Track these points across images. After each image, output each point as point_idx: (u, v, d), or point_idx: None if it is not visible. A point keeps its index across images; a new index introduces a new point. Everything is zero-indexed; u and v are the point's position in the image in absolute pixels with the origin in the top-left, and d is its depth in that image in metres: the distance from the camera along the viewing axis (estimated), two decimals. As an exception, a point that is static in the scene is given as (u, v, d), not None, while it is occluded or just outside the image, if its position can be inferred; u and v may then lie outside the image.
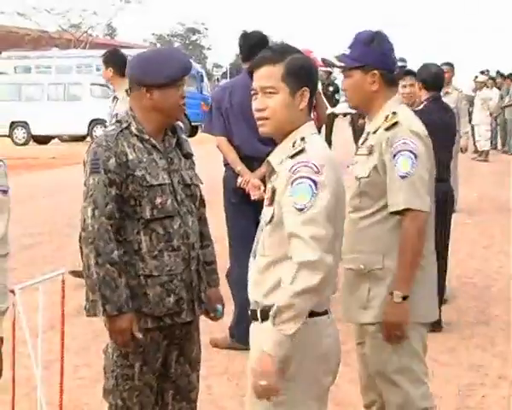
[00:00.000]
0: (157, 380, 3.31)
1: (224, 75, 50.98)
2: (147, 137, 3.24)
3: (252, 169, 5.72)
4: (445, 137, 6.29)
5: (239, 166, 5.78)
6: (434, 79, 6.35)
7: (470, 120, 21.14)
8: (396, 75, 3.45)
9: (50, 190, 12.36)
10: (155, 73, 3.18)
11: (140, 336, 3.14)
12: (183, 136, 3.43)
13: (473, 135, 19.84)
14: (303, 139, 2.69)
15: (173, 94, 3.21)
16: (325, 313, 2.70)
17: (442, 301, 6.32)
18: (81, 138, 24.80)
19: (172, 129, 3.36)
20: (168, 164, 3.27)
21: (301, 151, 2.67)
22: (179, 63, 3.24)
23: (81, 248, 3.15)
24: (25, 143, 24.85)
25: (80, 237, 3.16)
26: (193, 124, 28.32)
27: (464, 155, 10.99)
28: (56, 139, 26.45)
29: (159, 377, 3.31)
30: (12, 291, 3.62)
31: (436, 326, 6.13)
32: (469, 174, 14.88)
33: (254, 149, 5.64)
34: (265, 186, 2.79)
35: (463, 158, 11.47)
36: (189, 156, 3.41)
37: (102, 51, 8.54)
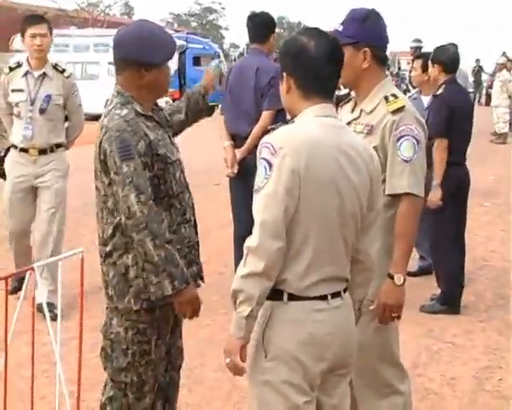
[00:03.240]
0: None
1: (240, 55, 50.82)
2: (150, 114, 3.25)
3: (235, 146, 6.04)
4: (465, 120, 6.24)
5: (225, 143, 6.13)
6: (454, 60, 6.28)
7: (489, 103, 21.04)
8: (385, 56, 3.42)
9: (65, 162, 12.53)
10: (156, 53, 3.16)
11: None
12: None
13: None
14: (286, 122, 2.69)
15: (167, 71, 3.26)
16: (321, 297, 2.64)
17: (463, 284, 6.32)
18: (98, 117, 24.76)
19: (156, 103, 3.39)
20: (169, 138, 3.32)
21: (269, 132, 2.67)
22: (171, 42, 3.26)
23: (130, 236, 3.08)
24: (42, 122, 24.87)
25: (127, 227, 3.08)
26: (209, 104, 28.33)
27: (481, 137, 10.94)
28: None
29: None
30: (31, 269, 3.64)
31: (454, 309, 6.15)
32: (487, 157, 14.79)
33: (236, 128, 5.99)
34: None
35: (481, 140, 11.40)
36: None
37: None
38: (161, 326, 3.29)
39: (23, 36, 5.79)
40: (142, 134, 3.13)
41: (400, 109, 3.26)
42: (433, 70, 6.34)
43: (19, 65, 5.90)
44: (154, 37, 3.19)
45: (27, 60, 5.87)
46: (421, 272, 6.93)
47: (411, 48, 12.37)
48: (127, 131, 3.09)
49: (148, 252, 3.05)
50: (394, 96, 3.31)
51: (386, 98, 3.30)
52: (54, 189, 5.90)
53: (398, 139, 3.24)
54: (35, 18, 5.99)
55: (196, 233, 3.39)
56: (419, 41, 12.62)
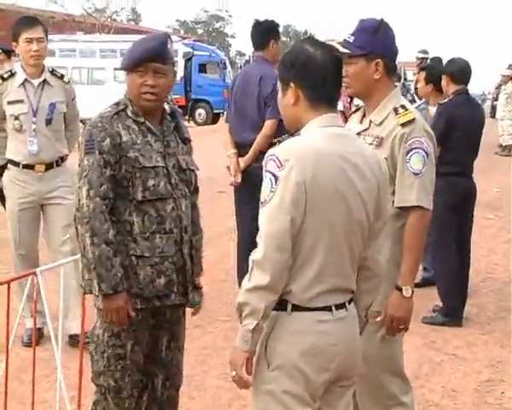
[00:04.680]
0: (147, 364, 3.34)
1: (246, 63, 50.96)
2: (142, 119, 3.27)
3: (239, 155, 6.03)
4: (474, 132, 6.23)
5: (228, 151, 6.12)
6: (462, 72, 6.28)
7: (494, 114, 21.01)
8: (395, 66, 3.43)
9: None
10: (124, 58, 3.30)
11: (133, 314, 3.17)
12: (182, 121, 3.46)
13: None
14: (292, 134, 2.67)
15: (134, 80, 3.24)
16: (325, 308, 2.62)
17: (466, 296, 6.31)
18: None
19: (172, 113, 3.40)
20: (164, 147, 3.30)
21: (274, 144, 2.66)
22: (140, 49, 3.23)
23: (77, 228, 3.17)
24: (48, 127, 24.93)
25: (75, 218, 3.17)
26: (215, 111, 28.38)
27: (486, 149, 10.93)
28: (80, 123, 26.53)
29: (149, 361, 3.35)
30: (34, 273, 3.65)
31: (456, 321, 6.13)
32: (491, 169, 14.77)
33: (240, 137, 6.00)
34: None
35: (485, 152, 11.39)
36: (186, 142, 3.44)
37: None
38: (139, 331, 3.26)
39: (16, 41, 5.24)
40: (113, 133, 3.18)
41: (410, 122, 3.26)
42: (443, 82, 6.35)
43: (12, 74, 5.29)
44: (134, 43, 3.32)
45: (22, 67, 5.30)
46: (425, 283, 6.91)
47: (417, 58, 12.37)
48: (97, 126, 3.19)
49: (86, 247, 3.11)
50: (404, 107, 3.30)
51: (395, 110, 3.29)
52: (66, 205, 5.24)
53: (408, 152, 3.24)
54: (29, 21, 5.38)
55: (179, 249, 3.27)
56: (425, 52, 12.62)
